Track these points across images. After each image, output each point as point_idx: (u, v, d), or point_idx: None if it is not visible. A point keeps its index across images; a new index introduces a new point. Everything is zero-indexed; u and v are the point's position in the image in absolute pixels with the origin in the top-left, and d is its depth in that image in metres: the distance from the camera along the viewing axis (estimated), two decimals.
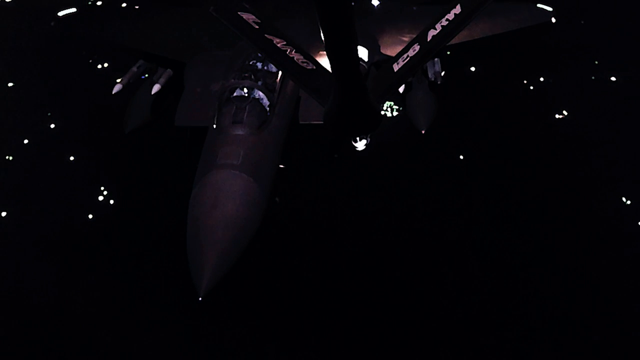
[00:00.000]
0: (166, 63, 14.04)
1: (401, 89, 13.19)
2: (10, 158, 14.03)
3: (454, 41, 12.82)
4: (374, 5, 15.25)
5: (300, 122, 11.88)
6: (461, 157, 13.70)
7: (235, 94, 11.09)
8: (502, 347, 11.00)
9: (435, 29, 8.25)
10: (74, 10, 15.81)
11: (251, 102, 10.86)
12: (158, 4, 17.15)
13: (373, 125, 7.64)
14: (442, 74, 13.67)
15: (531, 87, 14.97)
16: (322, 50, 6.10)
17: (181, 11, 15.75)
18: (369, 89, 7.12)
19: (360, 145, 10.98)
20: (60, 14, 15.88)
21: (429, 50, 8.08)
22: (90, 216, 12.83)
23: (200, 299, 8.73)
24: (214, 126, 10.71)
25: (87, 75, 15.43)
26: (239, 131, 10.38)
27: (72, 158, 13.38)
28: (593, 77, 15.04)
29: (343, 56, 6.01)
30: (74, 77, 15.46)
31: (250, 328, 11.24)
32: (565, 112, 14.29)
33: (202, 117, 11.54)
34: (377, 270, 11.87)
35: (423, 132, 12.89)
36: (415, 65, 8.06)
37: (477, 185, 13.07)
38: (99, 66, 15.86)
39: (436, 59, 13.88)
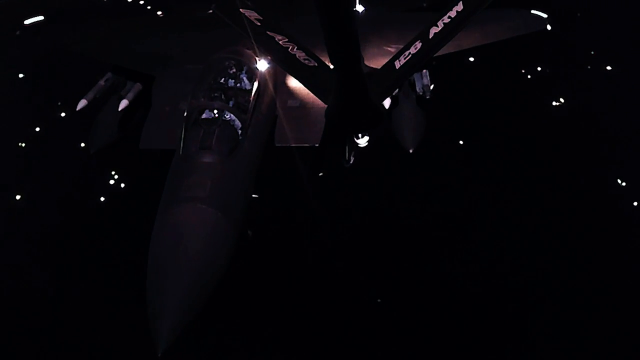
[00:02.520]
0: (135, 76, 13.12)
1: (387, 105, 12.24)
2: (23, 145, 14.62)
3: (444, 51, 12.17)
4: (357, 12, 14.27)
5: (277, 145, 10.93)
6: (461, 142, 13.93)
7: (203, 116, 10.11)
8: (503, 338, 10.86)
9: (437, 27, 8.17)
10: (41, 18, 14.92)
11: (221, 125, 9.89)
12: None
13: (375, 121, 7.76)
14: (432, 87, 12.77)
15: (529, 76, 15.46)
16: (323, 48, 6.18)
17: (152, 20, 14.81)
18: (370, 86, 7.18)
19: (363, 141, 10.72)
20: (27, 22, 15.02)
21: (431, 48, 8.02)
22: (102, 199, 13.10)
23: (159, 355, 7.76)
24: (180, 152, 9.72)
25: (95, 64, 15.06)
26: (207, 158, 9.41)
27: (82, 144, 13.26)
28: (589, 67, 15.63)
29: (344, 53, 6.02)
30: (82, 66, 15.47)
31: None
32: (562, 100, 14.81)
33: (170, 139, 10.55)
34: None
35: (411, 151, 11.98)
36: (417, 63, 8.01)
37: (476, 170, 13.30)
38: None
39: (424, 71, 13.01)
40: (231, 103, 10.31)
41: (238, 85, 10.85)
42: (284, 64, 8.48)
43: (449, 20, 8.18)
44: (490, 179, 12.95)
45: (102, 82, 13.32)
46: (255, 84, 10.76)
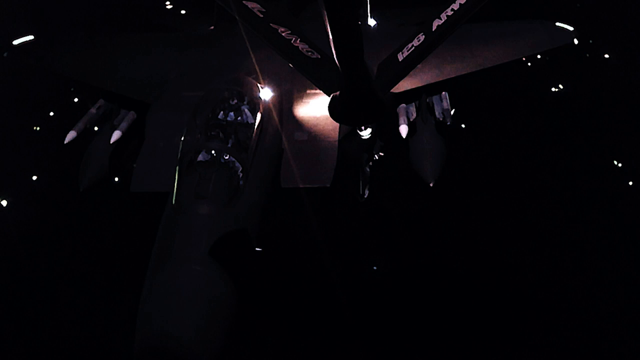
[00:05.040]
0: (130, 104, 12.04)
1: (404, 133, 11.09)
2: (38, 128, 15.55)
3: (464, 71, 11.05)
4: (370, 26, 13.16)
5: (283, 187, 9.80)
6: (463, 126, 14.27)
7: (199, 158, 9.02)
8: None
9: (441, 19, 8.23)
10: (31, 37, 13.95)
11: (219, 168, 8.78)
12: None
13: (378, 114, 7.81)
14: (452, 111, 11.56)
15: (529, 64, 16.05)
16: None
17: (148, 41, 13.66)
18: (373, 78, 7.33)
19: (365, 134, 10.58)
20: (16, 42, 14.05)
21: (434, 40, 8.11)
22: (116, 179, 13.06)
23: None
24: (172, 201, 8.62)
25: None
26: (203, 209, 8.28)
27: (95, 128, 12.98)
28: (587, 55, 16.31)
29: (347, 45, 6.07)
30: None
31: None
32: (561, 86, 15.67)
33: (164, 180, 9.42)
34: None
35: (431, 184, 10.79)
36: (420, 55, 8.07)
37: (474, 162, 13.67)
38: None
39: (444, 93, 11.88)
40: (231, 141, 9.21)
41: (239, 119, 9.73)
42: (286, 55, 8.37)
43: (452, 12, 8.18)
44: (494, 177, 13.27)
45: (93, 110, 12.36)
46: (258, 117, 9.65)
